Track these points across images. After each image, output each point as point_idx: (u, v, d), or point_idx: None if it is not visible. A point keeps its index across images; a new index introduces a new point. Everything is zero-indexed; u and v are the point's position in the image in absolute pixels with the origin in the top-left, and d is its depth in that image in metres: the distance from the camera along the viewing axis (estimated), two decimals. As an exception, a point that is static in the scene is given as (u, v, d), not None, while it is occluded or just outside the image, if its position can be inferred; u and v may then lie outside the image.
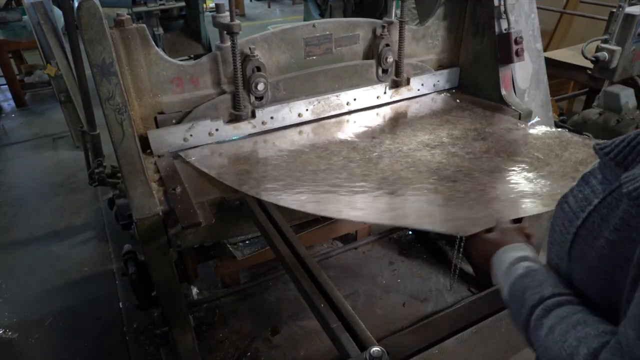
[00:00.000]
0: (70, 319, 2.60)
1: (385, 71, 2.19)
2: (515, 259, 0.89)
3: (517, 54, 2.11)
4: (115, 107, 1.46)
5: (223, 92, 1.88)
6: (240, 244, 2.36)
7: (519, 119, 2.14)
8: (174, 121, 1.83)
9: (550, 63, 3.25)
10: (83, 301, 2.72)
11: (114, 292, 2.77)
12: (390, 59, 2.15)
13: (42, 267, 2.99)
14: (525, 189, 1.53)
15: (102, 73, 1.42)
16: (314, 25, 1.98)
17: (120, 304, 2.68)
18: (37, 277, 2.91)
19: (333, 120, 2.10)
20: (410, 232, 3.06)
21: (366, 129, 2.02)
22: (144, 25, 1.66)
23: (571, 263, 0.76)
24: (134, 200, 1.47)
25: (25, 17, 4.55)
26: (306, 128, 2.03)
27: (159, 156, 1.78)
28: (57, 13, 3.91)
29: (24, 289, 2.83)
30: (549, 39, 4.62)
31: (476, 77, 2.33)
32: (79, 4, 1.34)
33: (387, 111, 2.20)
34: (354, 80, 2.14)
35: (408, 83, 2.25)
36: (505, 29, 2.12)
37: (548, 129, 1.97)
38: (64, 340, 2.47)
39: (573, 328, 0.71)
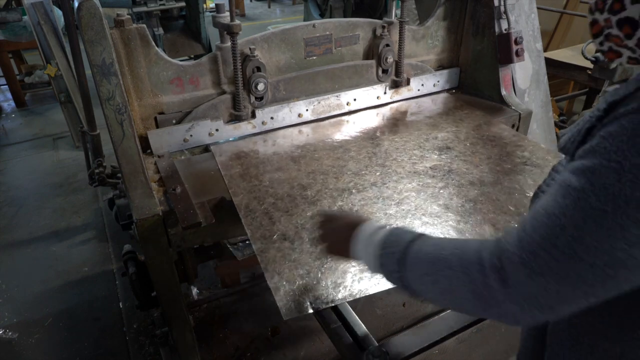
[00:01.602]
0: (70, 319, 2.60)
1: (385, 71, 2.19)
2: (373, 229, 0.94)
3: (517, 54, 2.11)
4: (116, 107, 1.46)
5: (223, 93, 1.88)
6: (240, 244, 2.36)
7: (519, 119, 2.14)
8: (174, 121, 1.83)
9: (550, 63, 3.26)
10: (83, 301, 2.72)
11: (114, 293, 2.77)
12: (390, 59, 2.15)
13: (42, 267, 2.99)
14: None
15: (102, 73, 1.42)
16: (314, 26, 1.98)
17: (120, 304, 2.68)
18: (37, 277, 2.91)
19: (333, 120, 2.10)
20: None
21: (366, 129, 2.02)
22: (144, 25, 1.66)
23: None
24: (134, 201, 1.47)
25: (26, 17, 4.54)
26: (306, 128, 2.03)
27: (159, 156, 1.78)
28: (57, 13, 3.91)
29: (24, 289, 2.83)
30: (549, 39, 4.62)
31: (476, 77, 2.33)
32: (79, 4, 1.34)
33: (387, 111, 2.20)
34: (354, 80, 2.15)
35: (408, 83, 2.25)
36: (505, 29, 2.12)
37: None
38: (64, 341, 2.47)
39: (458, 239, 0.83)
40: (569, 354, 0.83)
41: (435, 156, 1.77)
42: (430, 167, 1.70)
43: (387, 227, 0.93)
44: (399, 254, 0.85)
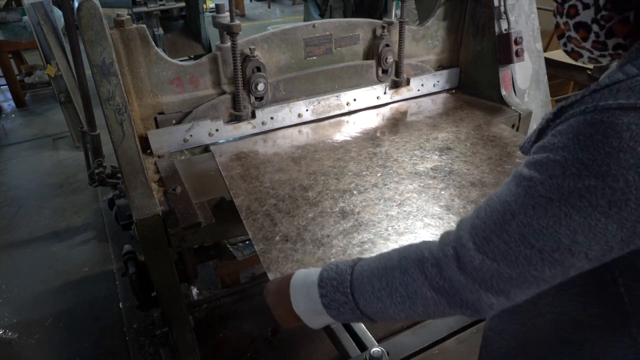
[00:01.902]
0: (70, 319, 2.61)
1: (385, 71, 2.19)
2: (305, 273, 0.90)
3: (517, 54, 2.12)
4: (115, 108, 1.46)
5: (223, 93, 1.88)
6: (240, 244, 2.36)
7: (519, 119, 2.14)
8: (174, 121, 1.83)
9: (550, 63, 3.26)
10: (83, 301, 2.72)
11: (113, 293, 2.77)
12: (390, 59, 2.15)
13: (42, 267, 2.99)
14: None
15: (102, 73, 1.42)
16: (314, 26, 1.98)
17: (120, 304, 2.69)
18: (37, 277, 2.91)
19: (333, 120, 2.10)
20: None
21: (366, 129, 2.02)
22: (144, 25, 1.66)
23: None
24: (134, 201, 1.47)
25: (25, 18, 4.55)
26: (306, 128, 2.03)
27: (159, 156, 1.78)
28: (57, 13, 3.91)
29: (24, 290, 2.83)
30: (549, 39, 4.62)
31: (476, 77, 2.33)
32: (79, 4, 1.34)
33: (387, 111, 2.20)
34: (354, 80, 2.15)
35: (408, 83, 2.25)
36: (505, 30, 2.12)
37: None
38: (64, 341, 2.47)
39: (405, 246, 0.82)
40: (559, 351, 0.84)
41: (436, 157, 1.77)
42: (431, 168, 1.69)
43: (315, 270, 0.88)
44: (345, 282, 0.81)
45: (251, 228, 1.38)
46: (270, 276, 1.19)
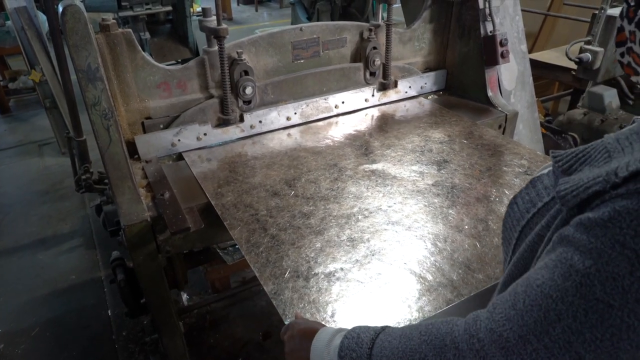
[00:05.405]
0: (58, 328, 2.57)
1: (372, 74, 2.20)
2: (330, 335, 0.86)
3: (502, 55, 2.14)
4: (102, 113, 1.44)
5: (211, 97, 1.88)
6: (230, 248, 2.35)
7: (505, 120, 2.16)
8: (161, 126, 1.82)
9: (535, 64, 3.30)
10: (71, 310, 2.68)
11: (102, 300, 2.73)
12: (378, 62, 2.16)
13: (29, 275, 2.94)
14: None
15: (87, 78, 1.40)
16: (301, 29, 1.98)
17: (109, 311, 2.65)
18: (23, 286, 2.86)
19: (321, 123, 2.10)
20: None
21: (357, 136, 2.02)
22: (130, 29, 1.65)
23: (513, 259, 0.77)
24: (121, 207, 1.45)
25: (9, 23, 4.49)
26: (295, 132, 2.03)
27: (146, 161, 1.76)
28: (42, 18, 3.86)
29: (10, 299, 2.78)
30: (534, 41, 4.68)
31: (463, 79, 2.35)
32: (64, 8, 1.33)
33: (375, 114, 2.21)
34: (341, 83, 2.15)
35: (396, 85, 2.26)
36: (490, 32, 2.15)
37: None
38: (52, 351, 2.43)
39: (421, 324, 0.74)
40: None
41: (435, 171, 1.71)
42: (432, 184, 1.63)
43: (345, 330, 0.84)
44: (362, 357, 0.76)
45: (256, 265, 1.26)
46: (287, 322, 1.08)
